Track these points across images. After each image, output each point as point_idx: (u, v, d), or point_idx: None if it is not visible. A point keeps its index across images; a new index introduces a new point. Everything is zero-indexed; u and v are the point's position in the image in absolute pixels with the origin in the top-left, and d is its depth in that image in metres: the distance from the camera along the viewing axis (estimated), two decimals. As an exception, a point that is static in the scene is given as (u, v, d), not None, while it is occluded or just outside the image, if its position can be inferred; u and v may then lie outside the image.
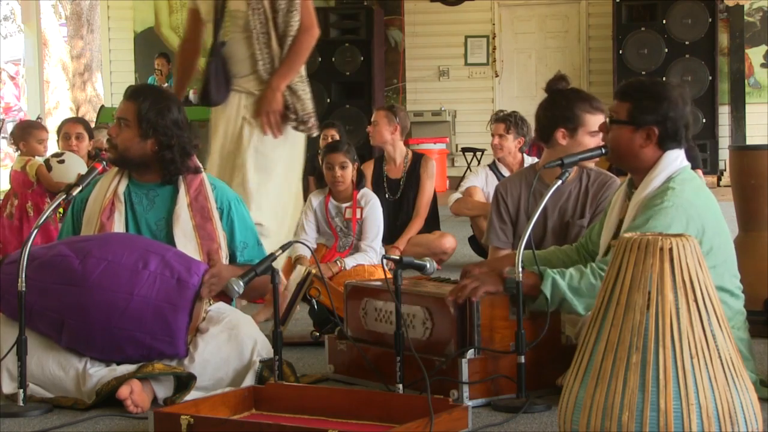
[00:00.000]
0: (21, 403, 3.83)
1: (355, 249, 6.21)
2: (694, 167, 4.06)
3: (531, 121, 5.71)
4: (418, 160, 7.57)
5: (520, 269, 3.75)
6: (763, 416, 2.96)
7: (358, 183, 6.26)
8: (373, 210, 6.23)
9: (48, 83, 22.34)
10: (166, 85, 13.31)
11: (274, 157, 5.45)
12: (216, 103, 5.44)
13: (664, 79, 12.53)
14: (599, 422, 2.77)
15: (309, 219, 6.28)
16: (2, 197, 7.71)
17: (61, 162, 7.18)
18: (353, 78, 14.44)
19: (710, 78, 13.79)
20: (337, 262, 6.10)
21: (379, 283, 4.27)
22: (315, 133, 5.61)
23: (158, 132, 4.24)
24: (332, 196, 6.28)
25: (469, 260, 7.33)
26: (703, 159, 13.22)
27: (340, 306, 4.38)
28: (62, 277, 3.94)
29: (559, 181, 3.98)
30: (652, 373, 2.74)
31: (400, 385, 3.83)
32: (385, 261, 4.34)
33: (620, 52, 13.93)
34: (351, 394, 3.73)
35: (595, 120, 4.65)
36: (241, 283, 3.81)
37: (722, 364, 2.78)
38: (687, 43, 13.83)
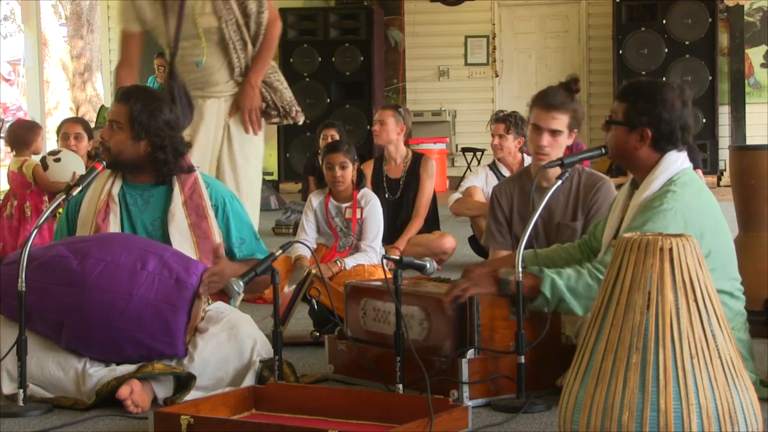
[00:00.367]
0: (21, 403, 3.83)
1: (355, 249, 6.22)
2: (694, 167, 4.05)
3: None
4: (417, 160, 7.57)
5: (521, 269, 3.75)
6: (763, 416, 2.97)
7: (358, 183, 6.26)
8: (373, 210, 6.23)
9: (48, 83, 22.34)
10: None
11: (253, 146, 5.51)
12: (184, 127, 5.46)
13: (664, 79, 12.53)
14: (599, 422, 2.77)
15: (309, 219, 6.28)
16: (2, 197, 7.70)
17: (58, 160, 7.16)
18: (353, 78, 14.44)
19: (710, 78, 13.79)
20: (337, 262, 6.10)
21: (378, 283, 4.27)
22: (301, 120, 5.66)
23: (150, 133, 4.24)
24: (332, 196, 6.29)
25: (469, 260, 7.33)
26: (703, 159, 13.22)
27: (340, 306, 4.38)
28: (61, 277, 3.94)
29: (559, 181, 3.99)
30: (652, 373, 2.74)
31: (400, 385, 3.83)
32: (385, 261, 4.34)
33: (620, 52, 13.93)
34: (351, 394, 3.73)
35: (539, 115, 4.70)
36: (241, 283, 3.81)
37: (722, 364, 2.78)
38: (687, 43, 13.82)
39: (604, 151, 4.04)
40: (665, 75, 13.43)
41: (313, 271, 4.66)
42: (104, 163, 4.28)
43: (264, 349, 4.03)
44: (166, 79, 5.48)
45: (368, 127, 14.14)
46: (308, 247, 5.92)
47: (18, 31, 22.76)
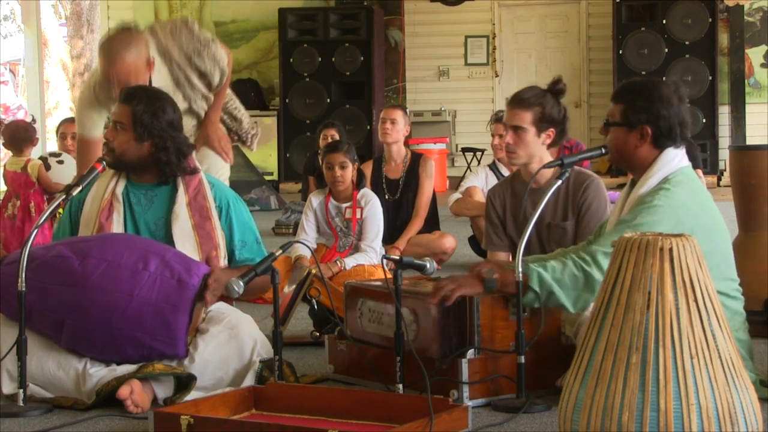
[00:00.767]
0: (21, 403, 3.83)
1: (355, 249, 6.22)
2: (694, 167, 4.05)
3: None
4: (417, 160, 7.58)
5: (519, 270, 3.74)
6: (763, 416, 2.96)
7: (358, 183, 6.27)
8: (373, 210, 6.23)
9: (48, 83, 22.32)
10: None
11: (221, 166, 5.63)
12: None
13: (664, 78, 12.53)
14: (599, 422, 2.77)
15: (309, 219, 6.28)
16: (1, 197, 7.71)
17: (61, 162, 7.19)
18: (353, 78, 14.44)
19: (710, 78, 13.79)
20: (337, 262, 6.10)
21: (378, 283, 4.26)
22: (255, 147, 5.93)
23: (153, 134, 4.23)
24: (332, 196, 6.29)
25: (469, 260, 7.33)
26: (703, 159, 13.22)
27: (340, 306, 4.38)
28: (62, 277, 3.94)
29: (559, 181, 3.99)
30: (652, 373, 2.74)
31: (400, 385, 3.83)
32: (385, 261, 4.34)
33: (620, 52, 13.93)
34: (351, 394, 3.73)
35: (506, 113, 4.74)
36: (241, 283, 3.81)
37: (722, 364, 2.78)
38: (687, 43, 13.82)
39: (604, 151, 4.03)
40: (665, 75, 13.42)
41: (313, 271, 4.66)
42: (104, 163, 4.28)
43: (264, 349, 4.03)
44: None
45: (368, 127, 14.15)
46: (308, 247, 5.93)
47: (18, 31, 22.75)
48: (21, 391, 3.84)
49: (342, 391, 3.82)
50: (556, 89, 4.69)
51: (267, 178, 13.87)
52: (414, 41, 15.19)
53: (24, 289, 3.83)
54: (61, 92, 24.63)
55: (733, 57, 14.18)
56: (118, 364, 3.94)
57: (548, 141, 4.68)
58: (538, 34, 15.10)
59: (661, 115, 3.86)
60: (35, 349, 3.93)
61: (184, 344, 3.92)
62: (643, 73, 13.46)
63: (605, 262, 3.67)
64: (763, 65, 14.39)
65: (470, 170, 13.42)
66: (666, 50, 13.84)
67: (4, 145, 7.49)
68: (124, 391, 3.78)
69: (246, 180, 12.47)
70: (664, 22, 13.83)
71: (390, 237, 7.14)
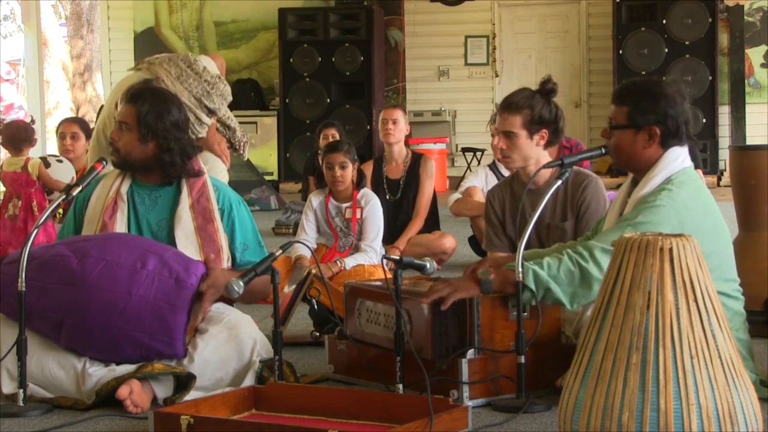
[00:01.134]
0: (21, 403, 3.83)
1: (355, 249, 6.21)
2: (695, 166, 4.04)
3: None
4: (417, 160, 7.58)
5: (520, 271, 3.74)
6: (763, 416, 2.96)
7: (359, 183, 6.26)
8: (373, 210, 6.23)
9: (48, 83, 22.34)
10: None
11: (220, 169, 6.12)
12: None
13: (663, 78, 12.52)
14: (599, 422, 2.77)
15: (309, 219, 6.28)
16: (1, 197, 7.70)
17: (60, 161, 7.22)
18: (353, 78, 14.44)
19: (710, 78, 13.79)
20: (337, 262, 6.10)
21: (377, 283, 4.26)
22: (246, 156, 6.52)
23: (157, 135, 4.23)
24: (332, 196, 6.28)
25: (469, 260, 7.33)
26: (703, 159, 13.24)
27: (340, 306, 4.38)
28: (61, 277, 3.94)
29: (559, 182, 3.99)
30: (652, 373, 2.74)
31: (400, 385, 3.83)
32: (385, 261, 4.34)
33: (620, 52, 13.93)
34: (351, 394, 3.73)
35: (498, 119, 4.73)
36: (241, 283, 3.81)
37: (722, 364, 2.78)
38: (687, 43, 13.83)
39: (604, 151, 4.03)
40: (665, 75, 13.40)
41: (313, 271, 4.66)
42: (104, 163, 4.29)
43: (264, 349, 4.03)
44: None
45: (368, 127, 14.15)
46: (308, 247, 5.92)
47: (18, 31, 22.77)
48: (21, 391, 3.84)
49: (342, 391, 3.82)
50: (545, 89, 4.68)
51: (267, 178, 13.87)
52: (414, 41, 15.19)
53: (24, 289, 3.83)
54: (61, 92, 24.65)
55: (733, 57, 14.17)
56: (118, 363, 3.94)
57: (542, 142, 4.67)
58: (538, 34, 15.10)
59: (668, 115, 3.84)
60: (35, 349, 3.93)
61: (183, 344, 3.92)
62: (643, 73, 13.45)
63: (603, 258, 3.67)
64: (763, 65, 14.39)
65: (470, 170, 13.42)
66: (666, 50, 13.84)
67: (2, 144, 7.48)
68: (123, 391, 3.78)
69: (246, 180, 12.47)
70: (664, 22, 13.83)
71: (390, 237, 7.14)
